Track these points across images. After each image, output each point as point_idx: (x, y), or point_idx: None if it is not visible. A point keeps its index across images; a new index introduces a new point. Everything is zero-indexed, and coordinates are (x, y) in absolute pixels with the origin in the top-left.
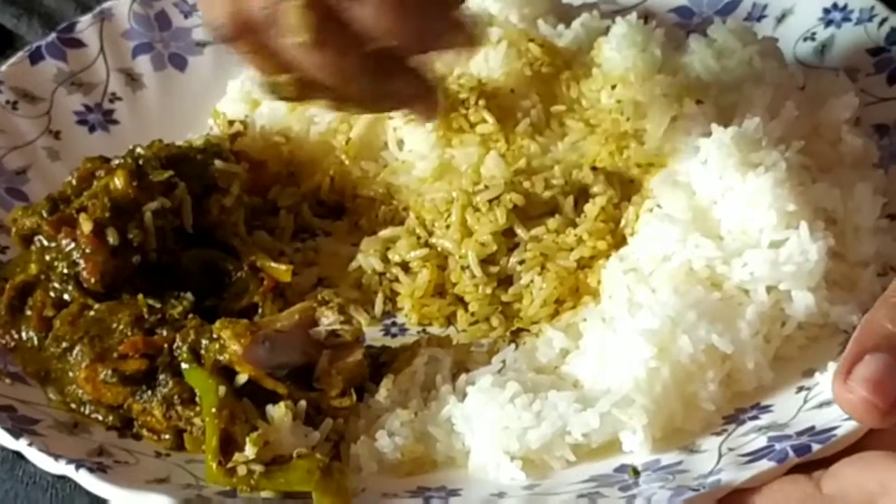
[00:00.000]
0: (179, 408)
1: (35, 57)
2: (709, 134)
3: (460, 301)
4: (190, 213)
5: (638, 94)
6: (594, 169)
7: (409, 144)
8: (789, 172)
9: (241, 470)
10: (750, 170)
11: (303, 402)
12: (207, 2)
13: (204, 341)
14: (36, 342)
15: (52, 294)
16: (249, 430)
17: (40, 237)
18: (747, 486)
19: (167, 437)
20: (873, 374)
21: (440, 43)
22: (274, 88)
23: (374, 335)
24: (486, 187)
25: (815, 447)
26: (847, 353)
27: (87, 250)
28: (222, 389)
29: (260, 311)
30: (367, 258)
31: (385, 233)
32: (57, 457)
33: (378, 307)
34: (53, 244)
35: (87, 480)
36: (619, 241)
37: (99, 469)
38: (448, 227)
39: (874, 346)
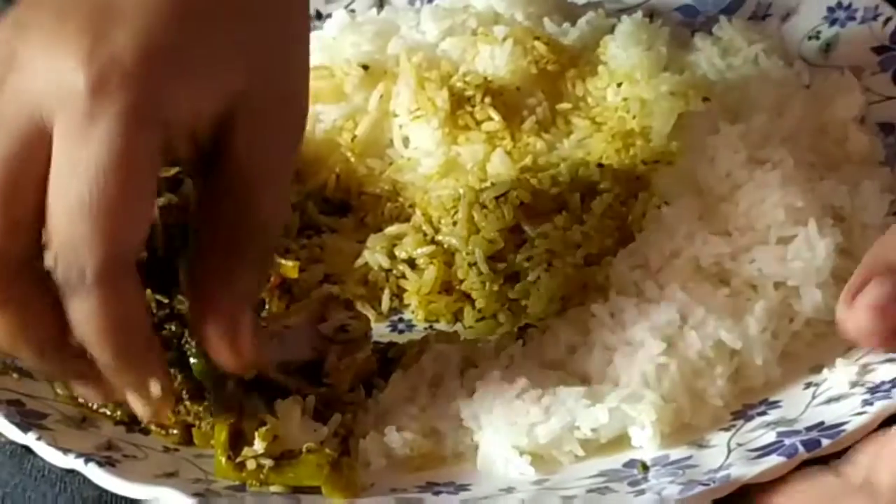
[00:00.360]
0: (188, 402)
1: None
2: (716, 131)
3: (467, 298)
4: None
5: (644, 92)
6: (600, 166)
7: (415, 142)
8: (797, 169)
9: (251, 465)
10: (758, 166)
11: (311, 398)
12: None
13: None
14: None
15: None
16: (258, 426)
17: None
18: (757, 480)
19: (175, 431)
20: (877, 299)
21: (131, 376)
22: None
23: (380, 331)
24: (493, 184)
25: (825, 442)
26: (853, 278)
27: None
28: (231, 384)
29: (266, 307)
30: (373, 255)
31: (391, 230)
32: (66, 451)
33: (385, 303)
34: None
35: (96, 474)
36: (627, 238)
37: (108, 463)
38: (455, 224)
39: (880, 273)
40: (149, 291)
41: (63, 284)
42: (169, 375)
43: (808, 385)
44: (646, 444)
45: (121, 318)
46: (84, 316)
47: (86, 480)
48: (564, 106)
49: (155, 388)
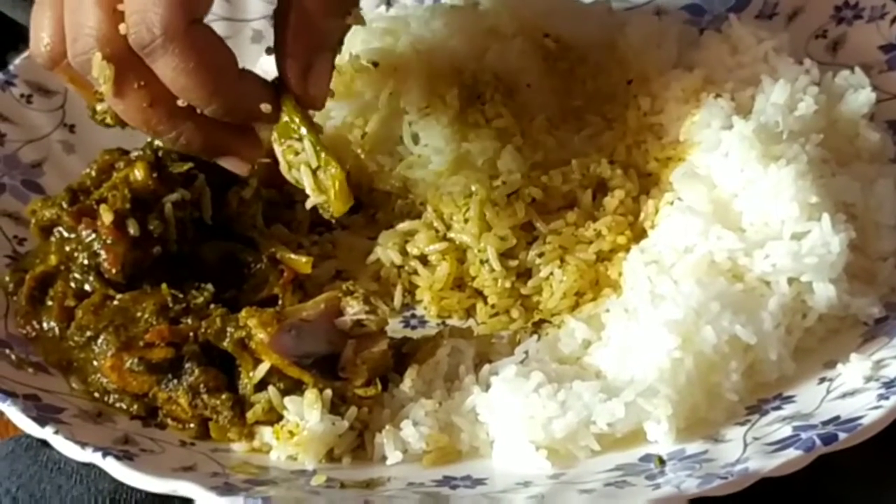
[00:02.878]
0: (205, 396)
1: None
2: (729, 127)
3: (479, 294)
4: (209, 204)
5: (654, 89)
6: (612, 163)
7: (425, 139)
8: (811, 165)
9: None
10: (772, 162)
11: (328, 391)
12: (37, 25)
13: (229, 329)
14: (57, 332)
15: (72, 284)
16: (276, 420)
17: (60, 228)
18: (775, 473)
19: (192, 425)
20: None
21: (241, 111)
22: (93, 114)
23: (393, 327)
24: (504, 182)
25: (842, 436)
26: None
27: (108, 241)
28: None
29: (280, 302)
30: (385, 251)
31: (403, 226)
32: (84, 445)
33: (397, 299)
34: (74, 235)
35: (114, 468)
36: (639, 234)
37: (126, 457)
38: (466, 221)
39: None
40: (164, 286)
41: (139, 48)
42: (276, 97)
43: (823, 380)
44: (661, 438)
45: (203, 61)
46: (170, 70)
47: (101, 473)
48: (575, 103)
49: (266, 107)
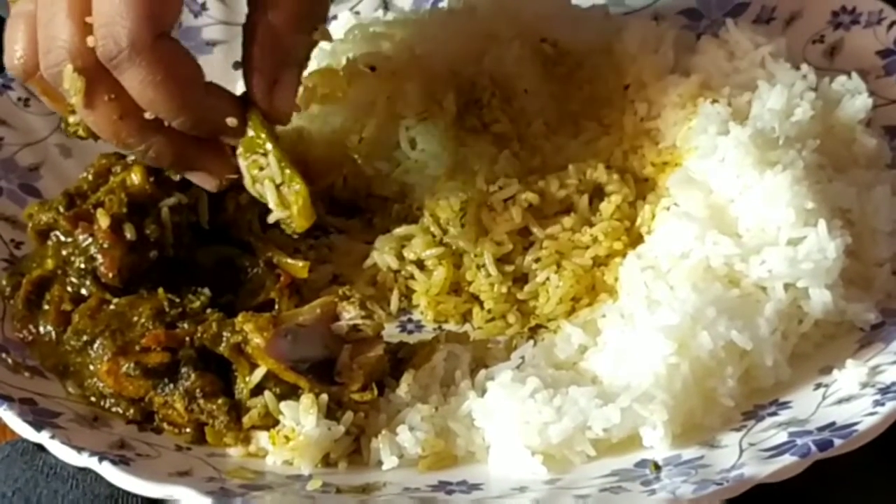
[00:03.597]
0: (201, 401)
1: None
2: (725, 133)
3: (475, 299)
4: (206, 209)
5: (651, 94)
6: (608, 168)
7: (422, 144)
8: (807, 171)
9: None
10: (768, 168)
11: (324, 396)
12: (11, 38)
13: (226, 334)
14: (54, 336)
15: (69, 289)
16: (272, 425)
17: (57, 232)
18: (770, 480)
19: (188, 430)
20: None
21: (207, 123)
22: (66, 126)
23: (390, 331)
24: (501, 187)
25: (838, 442)
26: None
27: (105, 245)
28: None
29: (276, 307)
30: (382, 256)
31: (399, 231)
32: (80, 449)
33: (394, 304)
34: (70, 239)
35: (110, 473)
36: (635, 240)
37: (122, 462)
38: (463, 226)
39: None
40: (160, 290)
41: (106, 61)
42: (242, 111)
43: (819, 386)
44: (657, 443)
45: (169, 74)
46: (137, 83)
47: (97, 478)
48: (572, 108)
49: (232, 121)
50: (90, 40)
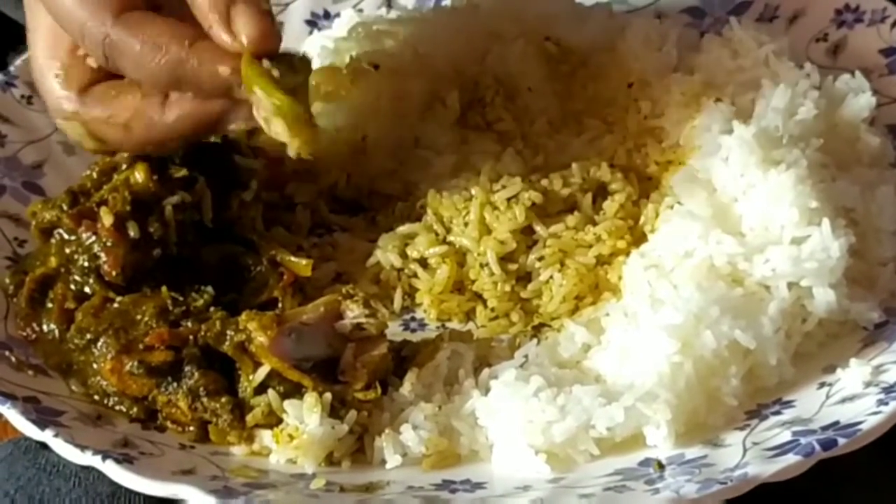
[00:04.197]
0: (205, 399)
1: None
2: (729, 131)
3: (479, 297)
4: (210, 207)
5: (655, 93)
6: (612, 166)
7: (425, 142)
8: (810, 170)
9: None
10: (772, 167)
11: (328, 395)
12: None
13: (229, 332)
14: (57, 334)
15: (72, 287)
16: (275, 423)
17: (60, 230)
18: (774, 479)
19: (192, 428)
20: None
21: (203, 76)
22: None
23: (393, 330)
24: (504, 186)
25: (842, 441)
26: None
27: (108, 243)
28: None
29: (280, 305)
30: (385, 254)
31: (403, 229)
32: (83, 448)
33: (397, 302)
34: (74, 237)
35: (114, 471)
36: (639, 238)
37: (125, 460)
38: (466, 224)
39: None
40: (164, 289)
41: (100, 58)
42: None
43: (822, 385)
44: (661, 442)
45: (147, 40)
46: (129, 62)
47: (100, 476)
48: (576, 106)
49: (224, 70)
50: (90, 61)
